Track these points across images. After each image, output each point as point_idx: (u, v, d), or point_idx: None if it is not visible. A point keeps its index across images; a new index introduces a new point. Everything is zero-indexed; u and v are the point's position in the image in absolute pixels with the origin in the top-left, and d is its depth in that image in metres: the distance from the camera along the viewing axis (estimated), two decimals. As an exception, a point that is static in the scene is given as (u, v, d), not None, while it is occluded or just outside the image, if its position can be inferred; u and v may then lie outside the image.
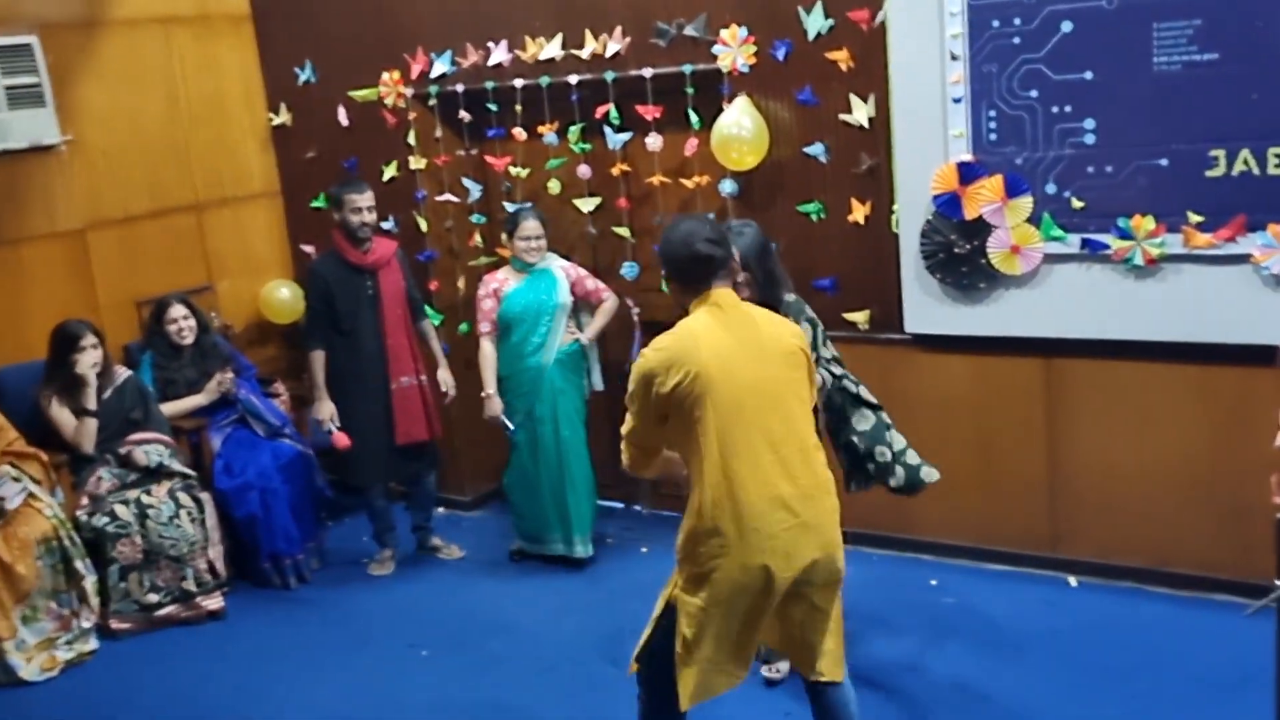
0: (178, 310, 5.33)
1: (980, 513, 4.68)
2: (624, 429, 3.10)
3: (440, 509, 5.82)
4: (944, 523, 4.81)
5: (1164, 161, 4.10)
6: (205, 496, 5.08)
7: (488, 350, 5.11)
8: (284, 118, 6.14)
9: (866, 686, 3.71)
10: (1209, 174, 4.04)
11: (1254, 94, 3.90)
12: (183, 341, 5.33)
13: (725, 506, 2.91)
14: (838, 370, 3.83)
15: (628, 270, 5.31)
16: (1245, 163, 3.97)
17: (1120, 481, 4.46)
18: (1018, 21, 4.23)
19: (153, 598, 4.89)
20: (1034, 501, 4.65)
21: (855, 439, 3.81)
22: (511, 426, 5.10)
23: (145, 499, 4.90)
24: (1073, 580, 4.62)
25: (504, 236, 5.24)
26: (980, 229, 4.43)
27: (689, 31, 4.87)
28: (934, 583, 4.72)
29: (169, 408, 5.28)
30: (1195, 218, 4.08)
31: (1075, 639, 4.19)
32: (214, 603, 5.00)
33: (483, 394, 5.13)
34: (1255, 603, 2.69)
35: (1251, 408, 4.09)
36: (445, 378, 5.34)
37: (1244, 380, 4.11)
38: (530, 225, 5.02)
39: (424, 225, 5.76)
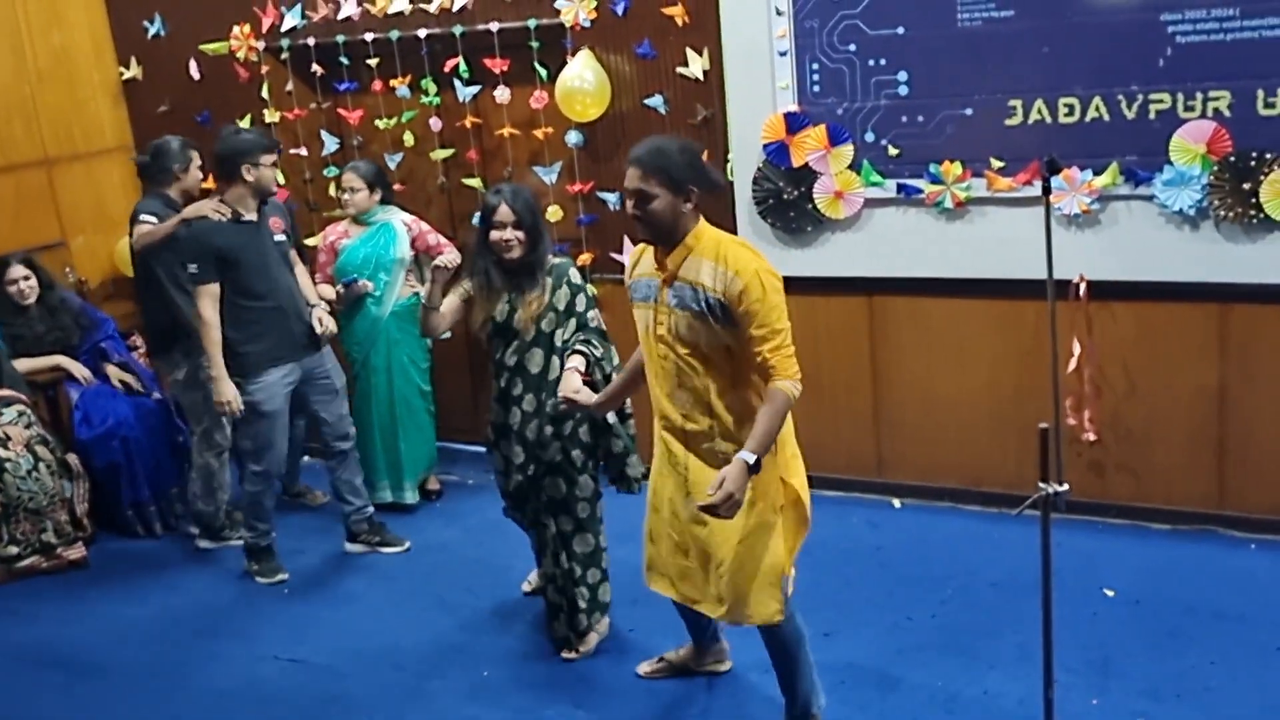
0: (16, 271, 5.29)
1: (811, 443, 4.93)
2: (786, 340, 3.05)
3: (305, 458, 5.94)
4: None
5: (969, 111, 4.43)
6: (72, 457, 5.16)
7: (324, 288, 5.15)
8: (134, 71, 6.12)
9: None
10: (1008, 123, 4.37)
11: (1045, 48, 4.24)
12: (24, 302, 5.29)
13: None
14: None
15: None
16: (1039, 112, 4.31)
17: (937, 409, 4.82)
18: (835, -21, 4.50)
19: (12, 550, 4.93)
20: (861, 430, 5.00)
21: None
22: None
23: (2, 453, 4.93)
24: (896, 502, 4.99)
25: (334, 190, 5.34)
26: (806, 176, 4.72)
27: (532, -14, 5.04)
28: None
29: (24, 364, 5.28)
30: (997, 163, 4.42)
31: (894, 553, 4.56)
32: (75, 553, 5.07)
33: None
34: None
35: (1049, 337, 4.45)
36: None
37: (1042, 312, 4.44)
38: (345, 178, 5.10)
39: (281, 178, 5.81)
